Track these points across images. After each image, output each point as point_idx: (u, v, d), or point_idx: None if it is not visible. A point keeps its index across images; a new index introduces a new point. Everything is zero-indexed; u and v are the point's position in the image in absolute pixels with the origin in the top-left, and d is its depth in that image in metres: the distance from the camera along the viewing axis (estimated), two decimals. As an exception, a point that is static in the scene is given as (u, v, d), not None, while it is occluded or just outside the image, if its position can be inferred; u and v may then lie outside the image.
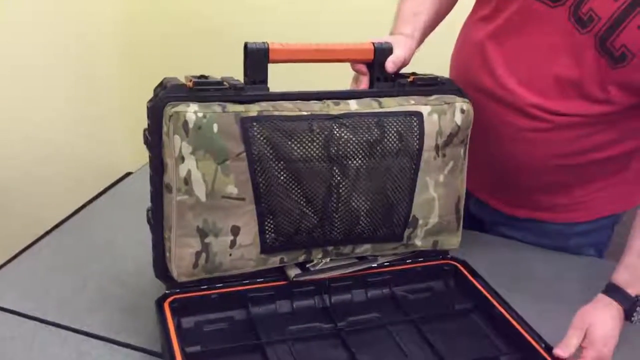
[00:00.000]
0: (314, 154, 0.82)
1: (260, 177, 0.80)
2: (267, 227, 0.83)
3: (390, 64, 0.90)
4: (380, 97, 0.89)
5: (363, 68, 0.91)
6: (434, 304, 0.96)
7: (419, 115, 0.87)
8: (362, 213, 0.87)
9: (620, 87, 0.92)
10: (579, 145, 1.01)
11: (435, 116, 0.88)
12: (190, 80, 0.81)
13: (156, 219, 0.83)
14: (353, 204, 0.86)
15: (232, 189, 0.80)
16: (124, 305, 0.92)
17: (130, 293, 0.95)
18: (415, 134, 0.87)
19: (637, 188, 1.13)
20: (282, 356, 0.82)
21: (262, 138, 0.79)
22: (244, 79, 0.84)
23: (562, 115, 0.97)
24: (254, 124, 0.79)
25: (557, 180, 1.06)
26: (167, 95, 0.79)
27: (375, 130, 0.84)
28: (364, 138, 0.84)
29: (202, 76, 0.83)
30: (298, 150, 0.81)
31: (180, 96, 0.79)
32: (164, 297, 0.85)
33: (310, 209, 0.84)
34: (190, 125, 0.76)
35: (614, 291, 0.91)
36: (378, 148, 0.85)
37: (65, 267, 1.00)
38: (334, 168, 0.83)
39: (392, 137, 0.85)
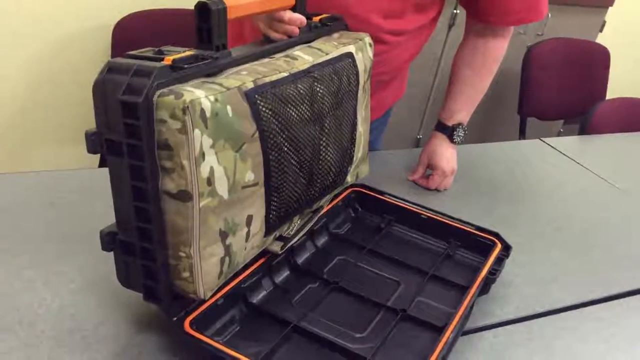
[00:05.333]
0: (305, 116, 0.76)
1: (272, 155, 0.72)
2: (272, 207, 0.75)
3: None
4: (310, 42, 0.85)
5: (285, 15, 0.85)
6: (365, 229, 1.02)
7: (351, 56, 0.87)
8: (332, 165, 0.85)
9: None
10: (403, 58, 1.17)
11: (360, 54, 0.89)
12: (163, 58, 0.64)
13: (155, 239, 0.66)
14: (328, 158, 0.84)
15: (249, 176, 0.70)
16: None
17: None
18: (353, 75, 0.87)
19: (406, 77, 1.37)
20: (318, 325, 0.79)
21: (268, 111, 0.70)
22: (200, 45, 0.70)
23: (404, 33, 1.09)
24: (256, 96, 0.69)
25: (374, 91, 1.18)
26: (158, 82, 0.61)
27: (335, 78, 0.82)
28: (331, 89, 0.81)
29: (159, 51, 0.67)
30: (295, 116, 0.74)
31: (164, 82, 0.63)
32: (181, 322, 0.70)
33: (302, 173, 0.79)
34: (208, 114, 0.62)
35: (439, 125, 1.25)
36: (339, 96, 0.83)
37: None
38: (316, 126, 0.79)
39: (344, 82, 0.84)
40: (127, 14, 1.76)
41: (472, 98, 1.23)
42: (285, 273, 0.88)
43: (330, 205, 0.98)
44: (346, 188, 1.04)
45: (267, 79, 0.71)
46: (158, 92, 0.61)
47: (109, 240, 0.69)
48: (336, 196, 1.01)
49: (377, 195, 1.05)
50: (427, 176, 1.25)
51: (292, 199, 0.79)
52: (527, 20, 1.15)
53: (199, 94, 0.62)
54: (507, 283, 0.95)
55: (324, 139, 0.81)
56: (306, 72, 0.77)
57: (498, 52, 1.21)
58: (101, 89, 0.62)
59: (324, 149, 0.82)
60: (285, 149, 0.74)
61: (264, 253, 0.83)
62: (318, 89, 0.78)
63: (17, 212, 0.96)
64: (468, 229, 0.98)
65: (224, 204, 0.67)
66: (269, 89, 0.70)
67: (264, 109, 0.69)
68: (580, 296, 0.96)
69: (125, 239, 0.68)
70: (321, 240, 0.96)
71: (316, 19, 0.90)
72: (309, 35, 0.87)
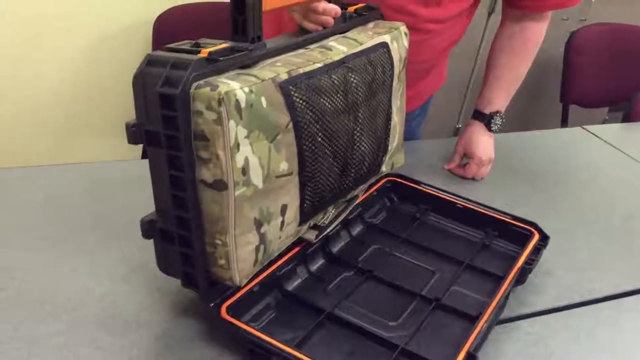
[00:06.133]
0: (339, 107, 0.77)
1: (306, 145, 0.73)
2: (307, 196, 0.76)
3: None
4: (345, 32, 0.86)
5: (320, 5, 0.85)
6: (401, 218, 1.02)
7: (386, 45, 0.87)
8: (366, 155, 0.86)
9: None
10: (443, 46, 1.16)
11: (395, 44, 0.89)
12: (200, 51, 0.65)
13: (192, 227, 0.68)
14: (362, 147, 0.84)
15: (284, 166, 0.71)
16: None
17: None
18: (388, 65, 0.87)
19: (445, 66, 1.35)
20: (352, 313, 0.80)
21: (302, 102, 0.71)
22: (236, 37, 0.71)
23: (444, 21, 1.08)
24: (291, 87, 0.69)
25: (413, 81, 1.17)
26: (194, 74, 0.63)
27: (370, 69, 0.82)
28: (366, 79, 0.81)
29: (196, 44, 0.68)
30: (329, 107, 0.75)
31: (201, 74, 0.64)
32: (217, 308, 0.72)
33: (336, 163, 0.80)
34: (243, 105, 0.64)
35: (476, 113, 1.24)
36: (373, 86, 0.83)
37: None
38: (350, 116, 0.80)
39: (379, 72, 0.85)
40: (167, 8, 1.79)
41: (510, 84, 1.22)
42: (320, 261, 0.89)
43: (365, 195, 0.99)
44: (381, 177, 1.04)
45: (302, 70, 0.72)
46: (195, 84, 0.63)
47: (148, 228, 0.71)
48: (371, 185, 1.01)
49: (412, 185, 1.05)
50: (463, 165, 1.24)
51: (326, 188, 0.79)
52: (565, 6, 1.13)
53: (234, 86, 0.63)
54: (544, 272, 0.94)
55: (358, 129, 0.82)
56: (340, 63, 0.78)
57: (537, 36, 1.19)
58: (141, 82, 0.64)
59: (358, 139, 0.82)
60: (319, 139, 0.75)
61: (299, 241, 0.84)
62: (352, 79, 0.79)
63: (61, 202, 1.00)
64: (505, 219, 0.98)
65: (258, 193, 0.69)
66: (303, 80, 0.71)
67: (298, 99, 0.70)
68: (620, 286, 0.94)
69: (164, 227, 0.70)
70: (356, 230, 0.97)
71: (351, 9, 0.90)
72: (344, 25, 0.87)
